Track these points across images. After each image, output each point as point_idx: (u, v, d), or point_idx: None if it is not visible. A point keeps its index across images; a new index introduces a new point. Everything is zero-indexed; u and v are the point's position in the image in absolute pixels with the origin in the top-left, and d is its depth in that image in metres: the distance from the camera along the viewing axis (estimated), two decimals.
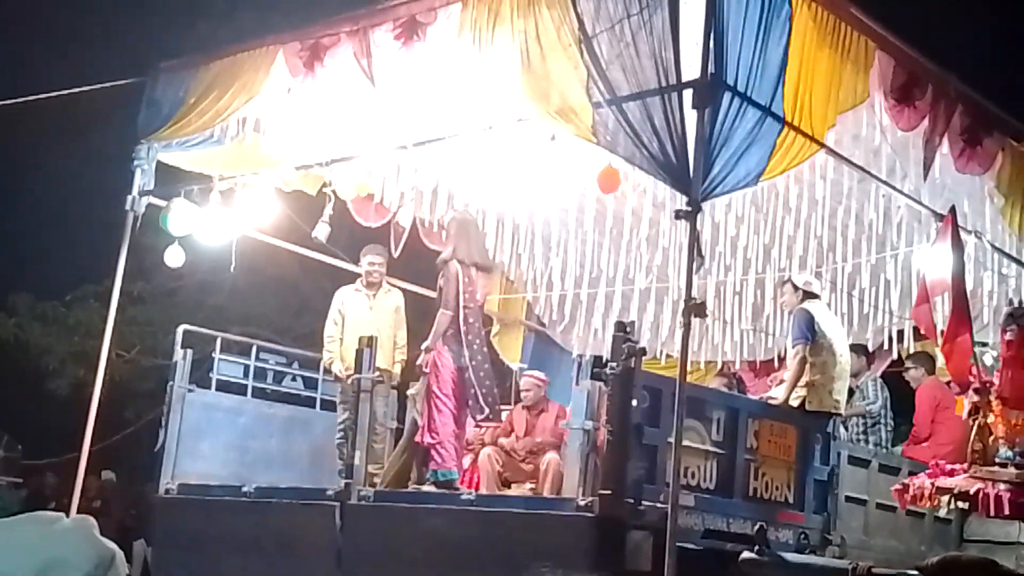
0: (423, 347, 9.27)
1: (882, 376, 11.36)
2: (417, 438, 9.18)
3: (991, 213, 9.27)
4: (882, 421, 10.89)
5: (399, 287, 10.66)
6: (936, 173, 8.62)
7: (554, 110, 7.35)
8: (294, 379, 11.27)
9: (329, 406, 10.72)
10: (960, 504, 8.10)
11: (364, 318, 10.10)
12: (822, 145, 7.49)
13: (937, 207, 8.76)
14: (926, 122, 8.18)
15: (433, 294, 9.70)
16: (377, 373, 9.05)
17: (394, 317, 10.28)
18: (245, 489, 9.31)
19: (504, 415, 9.78)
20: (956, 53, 8.44)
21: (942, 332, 8.38)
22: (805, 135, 7.23)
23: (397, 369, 10.22)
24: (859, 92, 7.72)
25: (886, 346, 11.12)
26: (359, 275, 10.48)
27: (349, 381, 9.42)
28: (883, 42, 7.89)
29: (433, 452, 9.01)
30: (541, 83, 7.40)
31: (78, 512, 9.57)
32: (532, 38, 7.45)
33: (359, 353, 9.05)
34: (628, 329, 7.65)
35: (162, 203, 10.20)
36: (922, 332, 9.15)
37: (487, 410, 9.10)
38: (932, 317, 8.49)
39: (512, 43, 7.54)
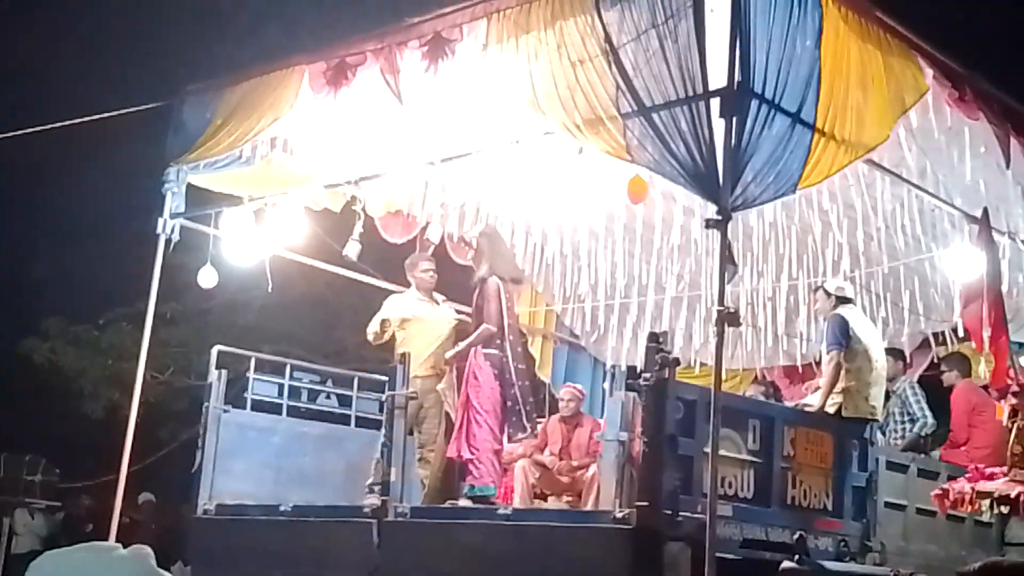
0: (449, 355, 9.38)
1: (923, 380, 11.29)
2: (453, 453, 9.16)
3: None
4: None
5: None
6: (967, 175, 8.57)
7: (580, 123, 7.34)
8: (328, 397, 11.29)
9: (363, 423, 10.75)
10: (1001, 508, 8.02)
11: (432, 323, 9.97)
12: (861, 150, 7.41)
13: (969, 209, 8.71)
14: (981, 115, 8.12)
15: (465, 308, 9.72)
16: (412, 390, 9.02)
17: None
18: (282, 508, 9.32)
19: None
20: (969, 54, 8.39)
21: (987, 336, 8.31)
22: (839, 141, 7.17)
23: None
24: (914, 88, 7.65)
25: (929, 349, 11.06)
26: (387, 290, 10.46)
27: (385, 396, 9.39)
28: (914, 44, 7.84)
29: (471, 467, 9.00)
30: (567, 95, 7.39)
31: (115, 534, 9.65)
32: (558, 50, 7.45)
33: (392, 369, 9.06)
34: (661, 339, 7.61)
35: (193, 225, 10.26)
36: (963, 334, 9.06)
37: (529, 428, 9.10)
38: (979, 320, 8.41)
39: (538, 57, 7.54)
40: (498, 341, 9.13)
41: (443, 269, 10.49)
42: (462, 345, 9.28)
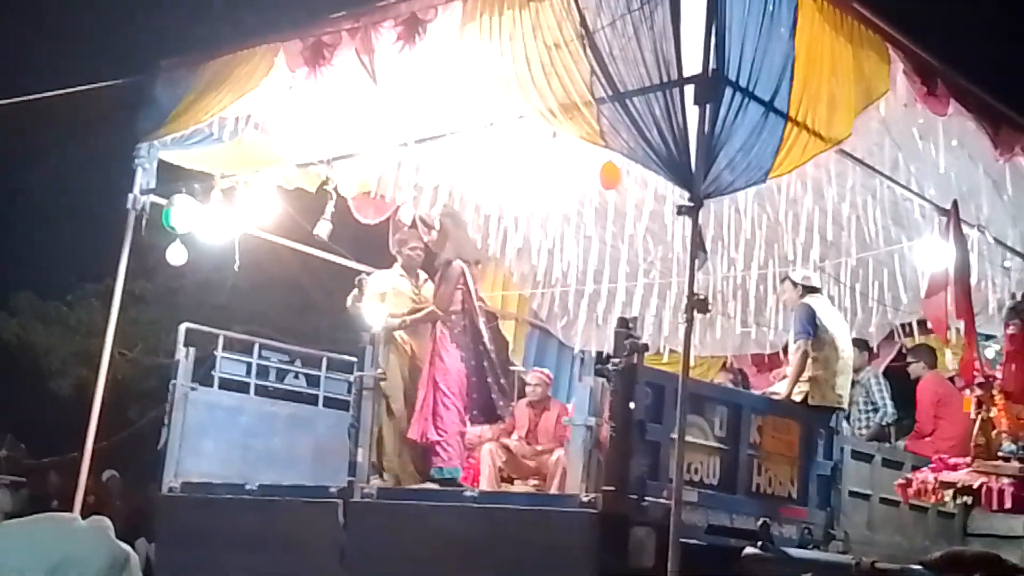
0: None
1: (887, 370, 11.36)
2: (417, 434, 9.15)
3: (998, 206, 9.26)
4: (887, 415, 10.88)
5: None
6: (941, 167, 8.62)
7: (555, 107, 7.34)
8: (296, 377, 11.25)
9: (332, 404, 10.73)
10: (964, 499, 8.08)
11: (410, 299, 9.92)
12: (828, 143, 7.45)
13: (940, 201, 8.76)
14: (951, 108, 8.16)
15: None
16: (381, 371, 9.01)
17: None
18: (248, 487, 9.30)
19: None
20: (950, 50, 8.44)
21: (950, 327, 8.37)
22: (811, 131, 7.20)
23: None
24: (878, 86, 7.69)
25: (896, 340, 11.12)
26: (358, 270, 10.44)
27: (354, 376, 9.39)
28: (889, 37, 7.87)
29: (438, 448, 9.01)
30: (542, 79, 7.38)
31: (80, 510, 9.61)
32: (533, 33, 7.44)
33: (362, 350, 9.05)
34: (631, 325, 7.64)
35: (164, 202, 10.21)
36: (930, 326, 9.11)
37: (501, 412, 9.13)
38: (943, 311, 8.47)
39: (513, 39, 7.53)
40: (463, 323, 9.12)
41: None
42: (408, 319, 9.30)
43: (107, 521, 4.46)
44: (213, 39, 10.70)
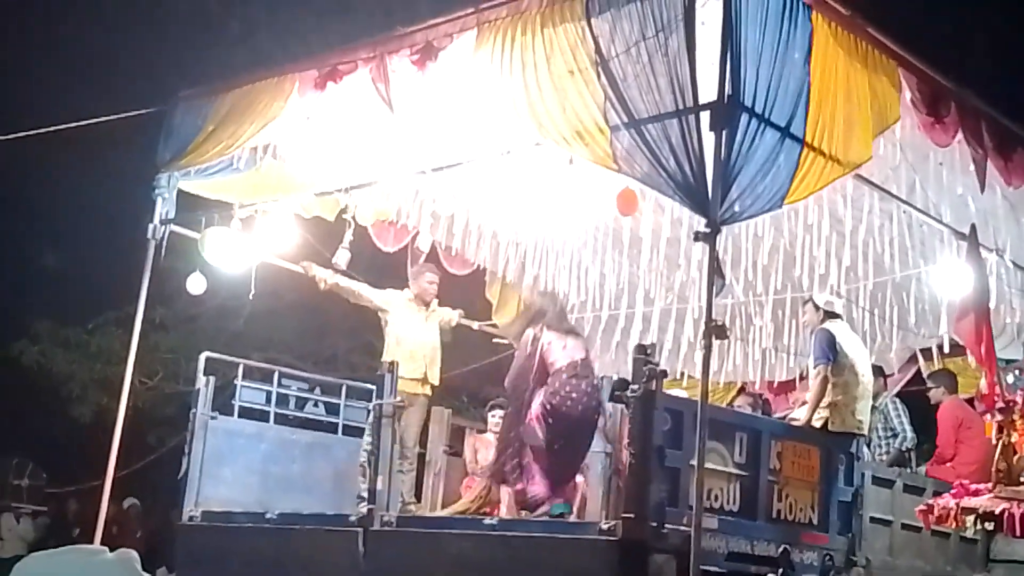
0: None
1: (901, 395, 11.32)
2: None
3: (1016, 230, 9.24)
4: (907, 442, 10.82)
5: None
6: (957, 190, 8.60)
7: (570, 134, 7.35)
8: (316, 405, 11.29)
9: (351, 431, 10.74)
10: (986, 524, 8.03)
11: (417, 331, 10.09)
12: (845, 167, 7.43)
13: (957, 225, 8.74)
14: (959, 136, 8.15)
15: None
16: (400, 398, 9.03)
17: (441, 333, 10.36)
18: (268, 515, 9.32)
19: None
20: (965, 70, 8.44)
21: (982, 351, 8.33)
22: (827, 156, 7.19)
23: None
24: (890, 112, 7.69)
25: (913, 364, 11.08)
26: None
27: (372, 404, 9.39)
28: (903, 60, 7.88)
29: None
30: (557, 106, 7.40)
31: (100, 539, 9.63)
32: (548, 61, 7.46)
33: (380, 378, 9.06)
34: (649, 351, 7.63)
35: (183, 231, 10.28)
36: (966, 347, 9.04)
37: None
38: (974, 333, 8.42)
39: (527, 67, 7.55)
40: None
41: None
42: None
43: (134, 554, 4.47)
44: (230, 69, 10.75)
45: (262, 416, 10.57)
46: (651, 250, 10.00)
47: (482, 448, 10.21)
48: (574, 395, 8.60)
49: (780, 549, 7.73)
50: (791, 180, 7.08)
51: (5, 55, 18.44)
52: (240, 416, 10.41)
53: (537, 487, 8.62)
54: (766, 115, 6.94)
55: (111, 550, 5.22)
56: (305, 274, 10.38)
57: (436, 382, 10.19)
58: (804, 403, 9.24)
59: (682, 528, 7.16)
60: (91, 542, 9.39)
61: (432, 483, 10.37)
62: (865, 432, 9.18)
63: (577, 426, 8.56)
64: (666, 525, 7.25)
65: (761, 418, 10.20)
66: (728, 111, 6.80)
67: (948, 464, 10.30)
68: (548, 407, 8.58)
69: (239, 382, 10.49)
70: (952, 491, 8.25)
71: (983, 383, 8.49)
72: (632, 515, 7.26)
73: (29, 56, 19.00)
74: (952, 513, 8.01)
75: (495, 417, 10.04)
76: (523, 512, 8.59)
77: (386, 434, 8.82)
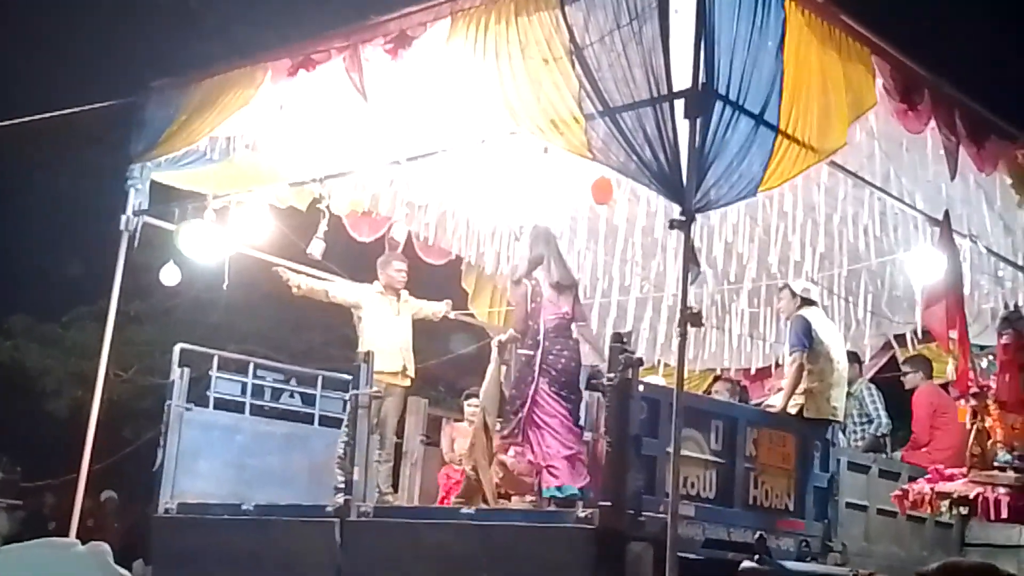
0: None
1: (875, 381, 11.36)
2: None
3: (989, 216, 9.28)
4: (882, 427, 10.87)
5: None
6: (930, 177, 8.63)
7: (545, 123, 7.35)
8: (292, 396, 11.25)
9: (327, 422, 10.71)
10: (960, 509, 8.08)
11: (391, 323, 10.08)
12: (819, 155, 7.45)
13: (931, 212, 8.78)
14: (932, 124, 8.18)
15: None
16: (377, 388, 9.02)
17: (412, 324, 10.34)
18: (244, 507, 9.30)
19: None
20: (938, 57, 8.46)
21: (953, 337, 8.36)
22: (802, 144, 7.21)
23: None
24: (866, 98, 7.71)
25: (888, 350, 11.13)
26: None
27: (349, 395, 9.38)
28: (877, 48, 7.89)
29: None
30: (531, 95, 7.39)
31: (76, 532, 9.59)
32: (522, 50, 7.45)
33: (357, 368, 9.04)
34: (625, 340, 7.64)
35: (158, 223, 10.22)
36: (932, 335, 9.10)
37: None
38: (943, 320, 8.47)
39: (502, 56, 7.54)
40: (529, 341, 8.86)
41: (411, 268, 10.50)
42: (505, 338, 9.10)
43: (106, 546, 4.43)
44: (203, 59, 10.69)
45: (238, 407, 10.53)
46: (626, 239, 10.01)
47: (459, 437, 10.22)
48: (563, 358, 8.67)
49: (756, 535, 7.76)
50: (765, 167, 7.09)
51: None
52: (216, 408, 10.38)
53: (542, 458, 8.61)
54: (740, 102, 6.95)
55: (85, 543, 5.20)
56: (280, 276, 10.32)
57: (413, 374, 10.18)
58: (780, 390, 9.27)
59: (659, 516, 7.17)
60: (67, 535, 9.35)
61: (409, 473, 10.38)
62: (840, 418, 9.23)
63: (571, 389, 8.63)
64: (643, 513, 7.29)
65: (737, 405, 10.23)
66: (702, 99, 6.81)
67: (923, 449, 10.36)
68: (545, 377, 8.62)
69: (214, 373, 10.45)
70: (927, 476, 8.30)
71: (950, 368, 8.54)
72: (609, 503, 7.28)
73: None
74: (927, 498, 8.07)
75: (471, 407, 10.03)
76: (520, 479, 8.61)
77: (363, 425, 8.82)
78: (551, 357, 8.67)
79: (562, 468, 8.53)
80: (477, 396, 9.84)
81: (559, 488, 8.50)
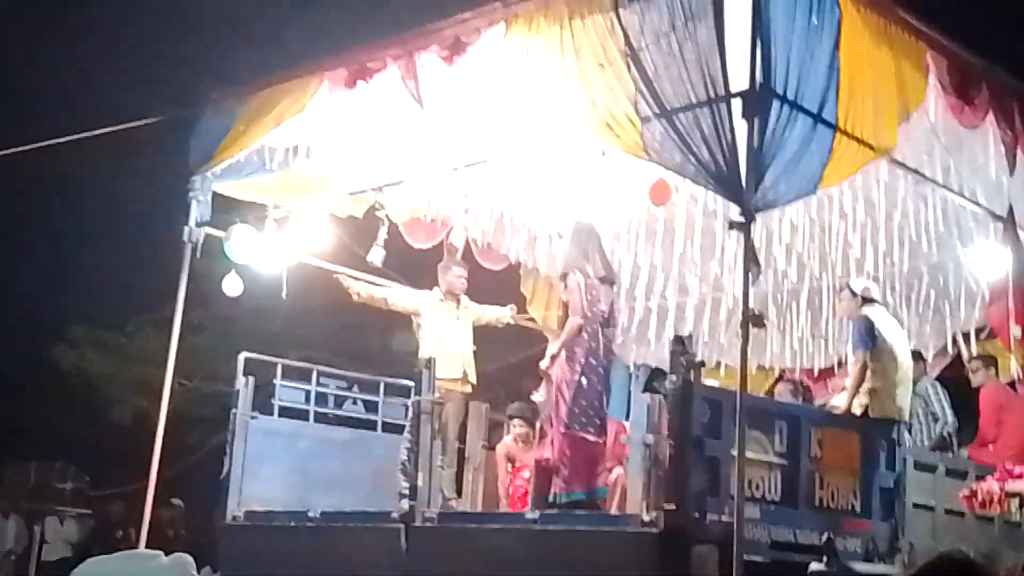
0: (550, 354, 9.08)
1: (940, 379, 11.24)
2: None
3: None
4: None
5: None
6: (992, 173, 8.53)
7: (601, 125, 7.35)
8: (355, 402, 11.31)
9: (390, 428, 10.76)
10: None
11: (451, 329, 10.10)
12: (877, 152, 7.40)
13: (993, 207, 8.67)
14: (990, 117, 8.09)
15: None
16: (438, 395, 9.05)
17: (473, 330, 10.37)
18: (311, 514, 9.36)
19: None
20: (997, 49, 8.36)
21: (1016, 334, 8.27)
22: (859, 141, 7.15)
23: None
24: (918, 93, 7.65)
25: (949, 349, 11.00)
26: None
27: (411, 401, 9.40)
28: (933, 41, 7.82)
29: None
30: (586, 98, 7.40)
31: (147, 541, 9.71)
32: (577, 54, 7.46)
33: (419, 374, 9.08)
34: (686, 342, 7.62)
35: (219, 233, 10.31)
36: (996, 332, 8.99)
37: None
38: (1007, 316, 8.37)
39: (557, 60, 7.56)
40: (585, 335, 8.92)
41: (469, 274, 10.53)
42: (555, 347, 9.06)
43: (189, 558, 4.45)
44: (260, 70, 10.79)
45: (301, 415, 10.60)
46: (685, 240, 9.97)
47: (518, 454, 10.15)
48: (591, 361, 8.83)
49: (825, 537, 7.69)
50: (824, 165, 7.06)
51: (41, 62, 18.61)
52: (280, 415, 10.44)
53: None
54: (798, 101, 6.92)
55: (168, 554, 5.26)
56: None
57: (474, 380, 10.19)
58: (844, 390, 9.19)
59: (724, 518, 7.15)
60: (136, 544, 9.47)
61: (472, 478, 10.40)
62: (905, 417, 9.12)
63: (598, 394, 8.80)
64: (708, 516, 7.25)
65: (800, 406, 10.15)
66: (760, 99, 6.79)
67: (989, 446, 10.24)
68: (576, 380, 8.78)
69: (278, 381, 10.53)
70: (995, 475, 8.21)
71: (1014, 365, 8.44)
72: (673, 506, 7.25)
73: (63, 63, 19.15)
74: (996, 497, 7.99)
75: (517, 428, 10.04)
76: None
77: (425, 430, 8.84)
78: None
79: (575, 472, 8.64)
80: (522, 416, 9.90)
81: (567, 494, 8.64)
